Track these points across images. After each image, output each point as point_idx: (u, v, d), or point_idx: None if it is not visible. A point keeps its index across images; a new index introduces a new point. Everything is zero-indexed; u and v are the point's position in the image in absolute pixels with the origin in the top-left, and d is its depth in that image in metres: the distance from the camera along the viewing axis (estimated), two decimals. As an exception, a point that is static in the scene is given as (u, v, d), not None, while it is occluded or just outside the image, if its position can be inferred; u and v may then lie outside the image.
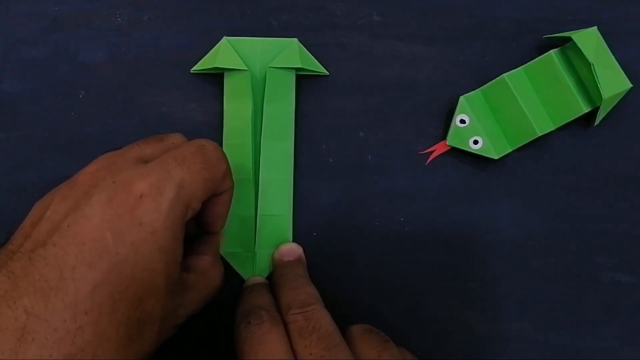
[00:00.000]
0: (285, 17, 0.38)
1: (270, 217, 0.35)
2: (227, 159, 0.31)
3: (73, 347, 0.23)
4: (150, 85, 0.38)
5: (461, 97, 0.37)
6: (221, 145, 0.36)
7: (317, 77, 0.38)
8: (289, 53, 0.36)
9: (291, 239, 0.36)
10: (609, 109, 0.36)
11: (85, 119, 0.37)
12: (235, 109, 0.36)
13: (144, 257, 0.25)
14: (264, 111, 0.36)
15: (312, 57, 0.37)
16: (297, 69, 0.37)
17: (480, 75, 0.37)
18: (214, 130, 0.37)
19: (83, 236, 0.25)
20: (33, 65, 0.38)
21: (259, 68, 0.37)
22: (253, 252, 0.35)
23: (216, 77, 0.37)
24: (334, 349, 0.28)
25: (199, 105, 0.37)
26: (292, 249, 0.35)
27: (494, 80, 0.37)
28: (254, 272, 0.35)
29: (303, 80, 0.38)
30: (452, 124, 0.36)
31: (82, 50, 0.38)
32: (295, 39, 0.37)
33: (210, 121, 0.37)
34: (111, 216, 0.25)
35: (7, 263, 0.25)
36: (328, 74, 0.38)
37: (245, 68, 0.36)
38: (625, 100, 0.37)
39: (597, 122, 0.36)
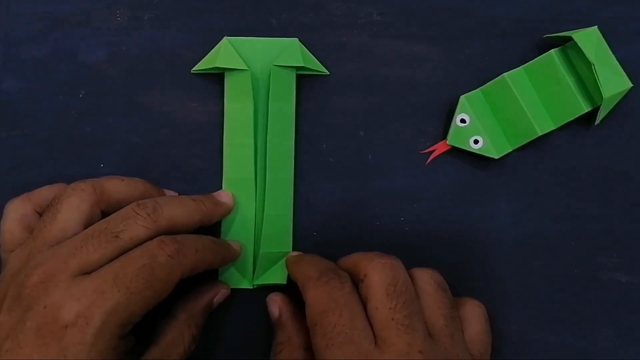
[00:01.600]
0: (285, 17, 0.38)
1: (275, 216, 0.35)
2: (188, 260, 0.29)
3: None
4: (150, 85, 0.38)
5: (461, 97, 0.37)
6: (222, 144, 0.36)
7: (317, 76, 0.38)
8: (291, 52, 0.36)
9: (291, 237, 0.36)
10: (610, 108, 0.36)
11: (86, 118, 0.37)
12: (237, 108, 0.36)
13: None
14: (269, 110, 0.36)
15: (313, 56, 0.37)
16: (297, 69, 0.37)
17: (481, 74, 0.37)
18: (215, 130, 0.37)
19: None
20: (33, 65, 0.38)
21: (259, 68, 0.37)
22: (253, 253, 0.35)
23: (217, 77, 0.37)
24: (414, 317, 0.28)
25: (199, 105, 0.37)
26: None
27: (494, 79, 0.37)
28: (255, 273, 0.35)
29: (303, 80, 0.38)
30: (453, 124, 0.36)
31: (82, 50, 0.38)
32: (296, 39, 0.37)
33: (210, 121, 0.37)
34: (39, 347, 0.26)
35: None
36: (328, 73, 0.38)
37: (246, 68, 0.36)
38: (626, 99, 0.36)
39: (597, 121, 0.36)
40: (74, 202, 0.30)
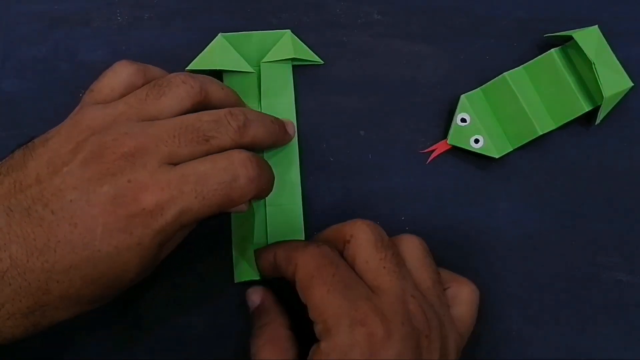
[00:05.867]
0: (285, 16, 0.38)
1: (279, 207, 0.35)
2: (259, 186, 0.30)
3: (39, 301, 0.26)
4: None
5: (462, 96, 0.37)
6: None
7: (317, 75, 0.38)
8: (282, 45, 0.37)
9: (303, 228, 0.36)
10: (610, 107, 0.36)
11: (86, 118, 0.37)
12: None
13: (122, 260, 0.27)
14: (261, 106, 0.36)
15: (306, 46, 0.38)
16: (292, 60, 0.37)
17: (481, 74, 0.37)
18: (214, 130, 0.37)
19: (78, 219, 0.26)
20: (33, 64, 0.38)
21: (255, 62, 0.37)
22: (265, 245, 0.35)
23: (218, 74, 0.37)
24: (403, 267, 0.29)
25: (199, 104, 0.37)
26: None
27: (494, 79, 0.37)
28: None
29: (302, 78, 0.38)
30: (453, 123, 0.36)
31: (82, 49, 0.38)
32: (288, 30, 0.37)
33: (210, 120, 0.37)
34: (109, 214, 0.26)
35: (13, 196, 0.27)
36: (323, 62, 0.38)
37: (252, 70, 0.36)
38: (626, 99, 0.37)
39: (598, 121, 0.36)
40: (180, 94, 0.30)
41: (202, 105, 0.31)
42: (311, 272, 0.29)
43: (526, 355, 0.35)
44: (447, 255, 0.36)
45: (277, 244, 0.33)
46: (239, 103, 0.34)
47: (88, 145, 0.28)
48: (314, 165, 0.37)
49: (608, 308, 0.36)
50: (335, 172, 0.37)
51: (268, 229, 0.35)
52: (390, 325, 0.27)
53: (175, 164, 0.28)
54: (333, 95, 0.38)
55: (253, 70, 0.36)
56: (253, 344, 0.31)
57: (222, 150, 0.29)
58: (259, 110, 0.36)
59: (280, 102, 0.36)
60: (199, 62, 0.37)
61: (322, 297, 0.28)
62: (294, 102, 0.37)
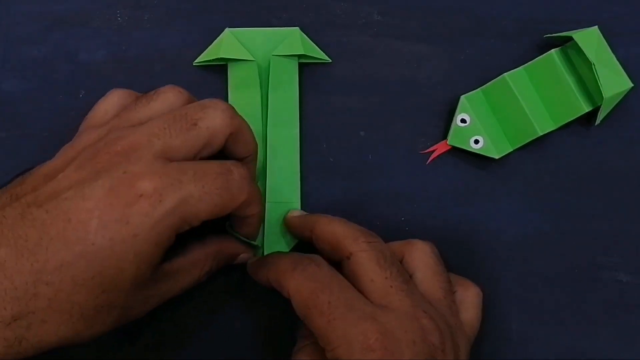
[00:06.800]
0: (286, 16, 0.38)
1: (278, 204, 0.36)
2: (251, 190, 0.29)
3: (26, 308, 0.25)
4: (150, 85, 0.37)
5: (462, 97, 0.37)
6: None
7: (317, 76, 0.38)
8: (291, 41, 0.37)
9: None
10: (610, 108, 0.36)
11: (86, 118, 0.37)
12: (242, 98, 0.36)
13: (116, 255, 0.25)
14: (268, 99, 0.36)
15: (314, 44, 0.38)
16: (300, 57, 0.37)
17: (481, 74, 0.37)
18: (214, 130, 0.37)
19: (72, 214, 0.25)
20: (33, 65, 0.38)
21: (261, 58, 0.37)
22: (262, 240, 0.35)
23: (217, 75, 0.37)
24: (410, 283, 0.29)
25: (199, 105, 0.37)
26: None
27: (494, 79, 0.37)
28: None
29: (302, 78, 0.38)
30: (453, 124, 0.36)
31: (82, 50, 0.38)
32: (297, 28, 0.37)
33: (210, 120, 0.37)
34: (105, 206, 0.25)
35: (6, 207, 0.26)
36: (330, 60, 0.38)
37: (252, 58, 0.36)
38: (626, 99, 0.37)
39: (598, 121, 0.36)
40: (169, 98, 0.30)
41: None
42: (305, 302, 0.28)
43: (526, 355, 0.35)
44: (447, 256, 0.36)
45: (268, 260, 0.32)
46: None
47: (82, 154, 0.28)
48: (314, 165, 0.37)
49: (608, 308, 0.36)
50: (335, 172, 0.37)
51: (265, 225, 0.35)
52: (401, 346, 0.26)
53: (171, 159, 0.28)
54: (333, 95, 0.38)
55: (253, 59, 0.36)
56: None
57: (213, 134, 0.28)
58: (265, 101, 0.37)
59: (286, 96, 0.37)
60: (206, 55, 0.37)
61: (324, 327, 0.27)
62: (297, 97, 0.37)
